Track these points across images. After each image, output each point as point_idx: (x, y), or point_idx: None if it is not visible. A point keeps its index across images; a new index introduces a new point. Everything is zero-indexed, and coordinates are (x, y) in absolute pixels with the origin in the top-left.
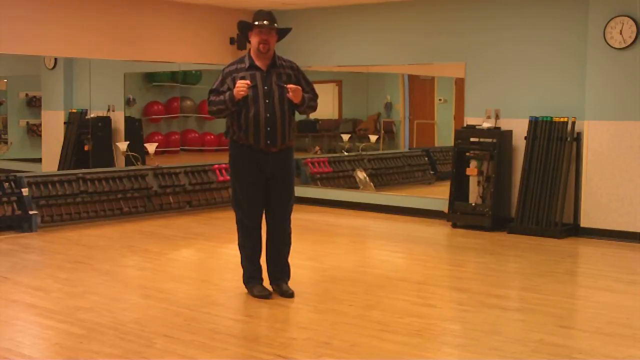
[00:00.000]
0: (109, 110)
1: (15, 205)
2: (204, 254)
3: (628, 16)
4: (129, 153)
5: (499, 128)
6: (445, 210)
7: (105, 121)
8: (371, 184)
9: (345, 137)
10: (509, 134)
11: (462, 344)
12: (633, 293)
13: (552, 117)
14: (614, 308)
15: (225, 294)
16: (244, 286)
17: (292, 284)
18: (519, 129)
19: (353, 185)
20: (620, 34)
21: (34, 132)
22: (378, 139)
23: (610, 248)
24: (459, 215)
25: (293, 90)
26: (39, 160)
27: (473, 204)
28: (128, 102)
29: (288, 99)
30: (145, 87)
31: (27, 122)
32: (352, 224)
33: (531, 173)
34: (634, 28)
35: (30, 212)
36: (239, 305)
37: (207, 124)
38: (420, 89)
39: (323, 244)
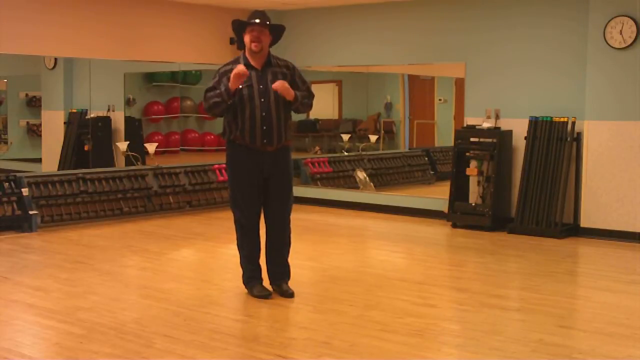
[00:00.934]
0: (109, 110)
1: (15, 205)
2: (204, 254)
3: (628, 16)
4: (129, 153)
5: (499, 128)
6: (445, 210)
7: (105, 121)
8: (371, 184)
9: (345, 137)
10: (509, 134)
11: (462, 344)
12: (633, 293)
13: (552, 117)
14: (614, 308)
15: (225, 294)
16: (243, 286)
17: (292, 284)
18: (519, 129)
19: (353, 185)
20: (620, 34)
21: (34, 132)
22: (378, 139)
23: (610, 248)
24: (459, 215)
25: (280, 88)
26: (39, 160)
27: (473, 204)
28: (128, 102)
29: (284, 98)
30: (145, 87)
31: (27, 122)
32: (352, 224)
33: (531, 173)
34: (634, 28)
35: (30, 212)
36: (239, 305)
37: (207, 124)
38: (420, 89)
39: (323, 244)
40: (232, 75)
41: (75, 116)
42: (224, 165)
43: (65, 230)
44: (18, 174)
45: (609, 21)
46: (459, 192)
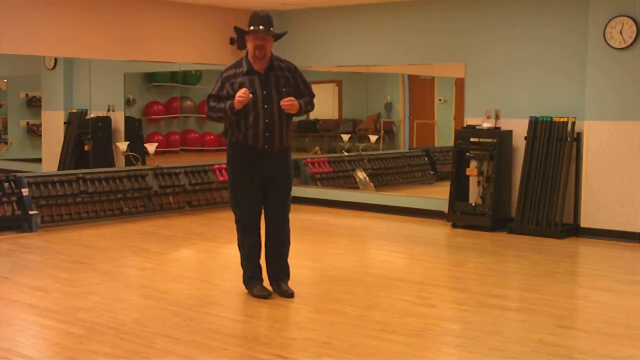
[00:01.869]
0: (109, 110)
1: (15, 205)
2: (204, 254)
3: (628, 16)
4: (129, 153)
5: (499, 128)
6: (445, 210)
7: (105, 121)
8: (371, 184)
9: (345, 137)
10: (509, 134)
11: (462, 344)
12: (633, 293)
13: (552, 117)
14: (614, 308)
15: (225, 294)
16: (243, 286)
17: (292, 284)
18: (519, 129)
19: (353, 185)
20: (620, 34)
21: (34, 132)
22: (378, 139)
23: (610, 248)
24: (459, 215)
25: (288, 106)
26: (39, 160)
27: (473, 204)
28: (128, 102)
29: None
30: (145, 87)
31: (27, 122)
32: (352, 224)
33: (531, 173)
34: (634, 28)
35: (30, 212)
36: (239, 305)
37: (207, 124)
38: (420, 89)
39: (323, 244)
40: (237, 101)
41: (75, 116)
42: (224, 166)
43: (65, 230)
44: (18, 174)
45: (609, 21)
46: (459, 192)
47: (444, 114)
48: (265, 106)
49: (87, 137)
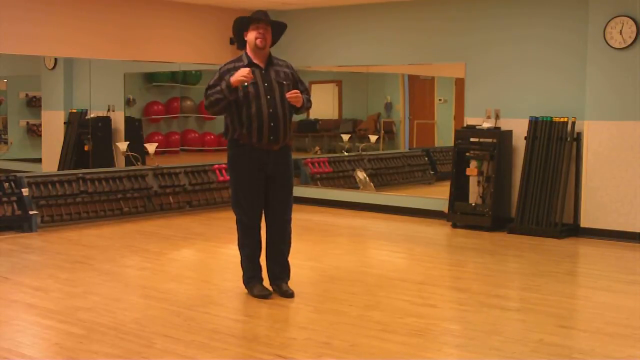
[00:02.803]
0: (108, 110)
1: (15, 205)
2: (204, 254)
3: (628, 16)
4: (129, 153)
5: (499, 128)
6: (445, 210)
7: (105, 121)
8: (371, 184)
9: (345, 137)
10: (509, 134)
11: (462, 344)
12: (633, 293)
13: (552, 117)
14: (614, 308)
15: (225, 294)
16: (243, 286)
17: (292, 284)
18: (519, 129)
19: (353, 185)
20: (620, 34)
21: (34, 132)
22: (378, 139)
23: (610, 248)
24: (459, 215)
25: (294, 98)
26: (39, 160)
27: (473, 204)
28: (128, 102)
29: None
30: (145, 87)
31: (27, 122)
32: (352, 224)
33: (531, 173)
34: (634, 28)
35: (30, 212)
36: (239, 305)
37: (207, 124)
38: (420, 89)
39: (323, 244)
40: (236, 77)
41: (75, 116)
42: (224, 165)
43: (65, 230)
44: (18, 174)
45: (609, 21)
46: (459, 192)
47: (444, 114)
48: (268, 96)
49: (87, 137)
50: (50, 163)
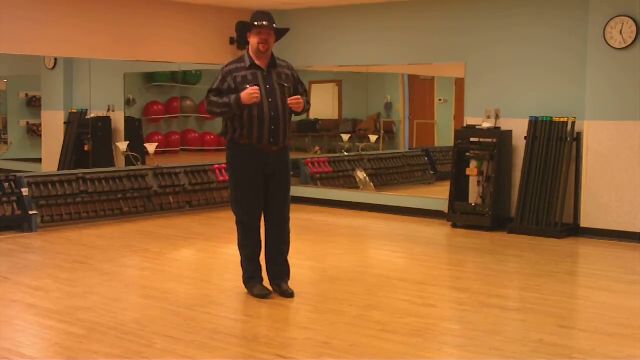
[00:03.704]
0: (108, 110)
1: (15, 205)
2: (204, 254)
3: (628, 16)
4: (129, 153)
5: (499, 128)
6: (445, 210)
7: (105, 121)
8: (371, 184)
9: (345, 137)
10: (509, 134)
11: (462, 344)
12: (633, 293)
13: (552, 117)
14: (614, 308)
15: (225, 294)
16: (243, 286)
17: (292, 284)
18: (519, 129)
19: (353, 185)
20: (620, 34)
21: (34, 132)
22: (378, 139)
23: (610, 248)
24: (459, 215)
25: (295, 104)
26: (39, 160)
27: (473, 204)
28: (128, 102)
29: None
30: (145, 87)
31: (27, 122)
32: (352, 224)
33: (531, 173)
34: (634, 28)
35: (30, 212)
36: (239, 305)
37: (207, 124)
38: (420, 89)
39: (323, 244)
40: (248, 96)
41: (75, 116)
42: (224, 165)
43: (65, 230)
44: (18, 174)
45: (609, 21)
46: (459, 192)
47: (444, 114)
48: (270, 99)
49: (87, 137)
50: (50, 163)
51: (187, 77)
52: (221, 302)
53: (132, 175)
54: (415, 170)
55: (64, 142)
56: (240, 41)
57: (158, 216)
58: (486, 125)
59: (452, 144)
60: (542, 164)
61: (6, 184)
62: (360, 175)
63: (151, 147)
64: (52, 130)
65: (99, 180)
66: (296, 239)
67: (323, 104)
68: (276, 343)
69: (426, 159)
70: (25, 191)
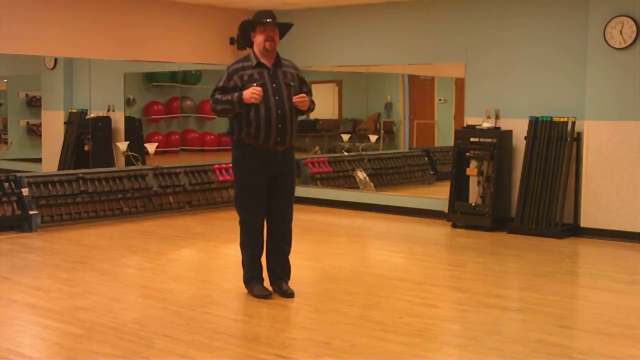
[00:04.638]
0: (108, 110)
1: (15, 205)
2: (204, 254)
3: (628, 16)
4: (129, 153)
5: (499, 128)
6: (445, 210)
7: (105, 121)
8: (371, 184)
9: (345, 137)
10: (509, 134)
11: (462, 344)
12: (633, 293)
13: (552, 117)
14: (614, 308)
15: (225, 294)
16: (244, 286)
17: (292, 284)
18: (519, 129)
19: (353, 185)
20: (620, 34)
21: (34, 132)
22: (378, 139)
23: (610, 248)
24: (459, 215)
25: (301, 102)
26: (39, 160)
27: (473, 204)
28: (128, 102)
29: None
30: (145, 87)
31: (27, 122)
32: (352, 224)
33: (531, 173)
34: (634, 28)
35: (30, 212)
36: (239, 305)
37: (207, 124)
38: (420, 89)
39: (323, 244)
40: (250, 95)
41: (75, 116)
42: (224, 166)
43: (65, 230)
44: (18, 174)
45: (609, 21)
46: (459, 192)
47: (444, 114)
48: (277, 98)
49: (87, 137)
50: (50, 163)
51: (187, 77)
52: (221, 302)
53: (132, 175)
54: (415, 170)
55: (64, 142)
56: (242, 41)
57: (158, 216)
58: (486, 125)
59: (452, 144)
60: (542, 164)
61: (6, 184)
62: (360, 175)
63: (151, 147)
64: (52, 130)
65: (99, 180)
66: (296, 239)
67: (323, 104)
68: (276, 343)
69: (426, 159)
70: (25, 191)
